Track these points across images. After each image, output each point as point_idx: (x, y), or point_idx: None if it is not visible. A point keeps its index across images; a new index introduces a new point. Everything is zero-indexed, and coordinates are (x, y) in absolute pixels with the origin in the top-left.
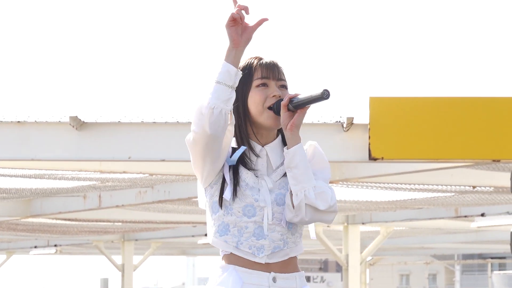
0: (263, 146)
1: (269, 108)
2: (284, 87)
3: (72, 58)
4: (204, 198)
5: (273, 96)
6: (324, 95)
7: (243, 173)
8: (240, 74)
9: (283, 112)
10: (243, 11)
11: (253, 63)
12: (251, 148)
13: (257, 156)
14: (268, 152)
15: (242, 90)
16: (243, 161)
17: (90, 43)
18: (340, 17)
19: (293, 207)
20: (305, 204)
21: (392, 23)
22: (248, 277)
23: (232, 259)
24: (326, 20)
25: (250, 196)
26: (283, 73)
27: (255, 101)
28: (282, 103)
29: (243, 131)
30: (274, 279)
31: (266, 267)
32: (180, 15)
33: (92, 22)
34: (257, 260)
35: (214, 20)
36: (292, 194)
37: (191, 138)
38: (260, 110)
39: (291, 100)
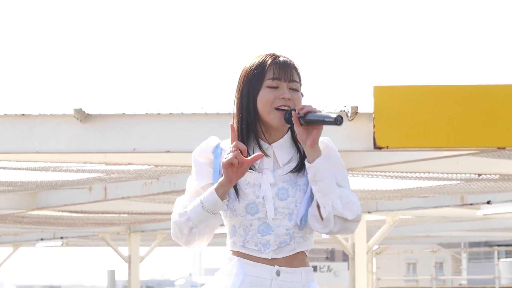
0: (270, 144)
1: (277, 109)
2: (295, 90)
3: (76, 51)
4: None
5: (282, 98)
6: (337, 121)
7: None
8: (224, 205)
9: (296, 127)
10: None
11: (267, 61)
12: (259, 146)
13: (266, 155)
14: (275, 151)
15: (254, 87)
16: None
17: (94, 36)
18: (344, 7)
19: (322, 219)
20: (334, 215)
21: (396, 11)
22: (251, 269)
23: (239, 253)
24: (331, 10)
25: (251, 194)
26: (297, 74)
27: (263, 100)
28: (294, 119)
29: (253, 127)
30: (277, 273)
31: (271, 261)
32: (183, 7)
33: (96, 15)
34: (263, 256)
35: (217, 13)
36: (319, 206)
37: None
38: (268, 109)
39: (303, 115)
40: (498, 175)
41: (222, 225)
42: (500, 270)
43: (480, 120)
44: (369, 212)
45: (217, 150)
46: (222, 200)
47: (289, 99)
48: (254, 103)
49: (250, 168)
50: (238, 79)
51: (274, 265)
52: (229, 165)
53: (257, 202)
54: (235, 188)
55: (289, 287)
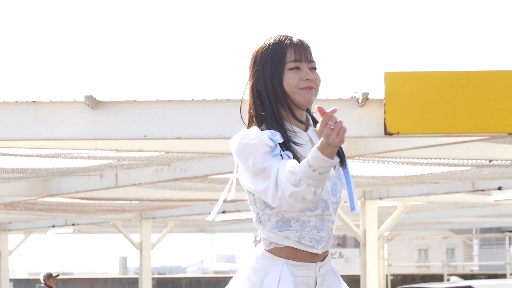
0: (305, 132)
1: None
2: (314, 68)
3: (86, 38)
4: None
5: (306, 79)
6: None
7: None
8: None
9: None
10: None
11: (285, 43)
12: (294, 132)
13: (310, 141)
14: (312, 138)
15: (277, 71)
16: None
17: (105, 23)
18: None
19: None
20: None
21: None
22: (298, 270)
23: (283, 253)
24: None
25: None
26: (311, 53)
27: (289, 83)
28: None
29: (279, 111)
30: (319, 269)
31: (313, 257)
32: None
33: (108, 2)
34: (315, 251)
35: (229, 1)
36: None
37: (283, 208)
38: (294, 90)
39: None
40: (509, 161)
41: (238, 211)
42: None
43: (491, 106)
44: (380, 198)
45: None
46: (332, 159)
47: (312, 80)
48: (281, 85)
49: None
50: (252, 63)
51: (316, 262)
52: (330, 130)
53: (321, 199)
54: None
55: (324, 277)
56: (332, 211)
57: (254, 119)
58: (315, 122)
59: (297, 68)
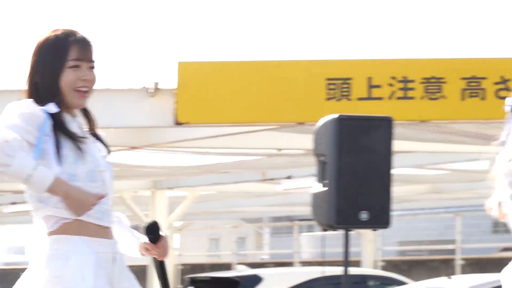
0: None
1: (75, 90)
2: (93, 67)
3: None
4: None
5: (84, 79)
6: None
7: (64, 141)
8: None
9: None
10: None
11: (68, 41)
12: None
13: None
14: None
15: (56, 68)
16: (67, 128)
17: None
18: None
19: None
20: None
21: None
22: (97, 245)
23: (74, 228)
24: None
25: (91, 162)
26: (93, 52)
27: (65, 82)
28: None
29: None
30: (115, 246)
31: (105, 233)
32: None
33: None
34: (102, 223)
35: None
36: None
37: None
38: (69, 90)
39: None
40: (298, 150)
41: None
42: (301, 244)
43: (280, 95)
44: (170, 188)
45: (43, 129)
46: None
47: (89, 80)
48: (57, 84)
49: (73, 137)
50: (33, 54)
51: (110, 239)
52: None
53: (96, 170)
54: (78, 152)
55: (120, 257)
56: (109, 185)
57: None
58: (88, 117)
59: (77, 66)
